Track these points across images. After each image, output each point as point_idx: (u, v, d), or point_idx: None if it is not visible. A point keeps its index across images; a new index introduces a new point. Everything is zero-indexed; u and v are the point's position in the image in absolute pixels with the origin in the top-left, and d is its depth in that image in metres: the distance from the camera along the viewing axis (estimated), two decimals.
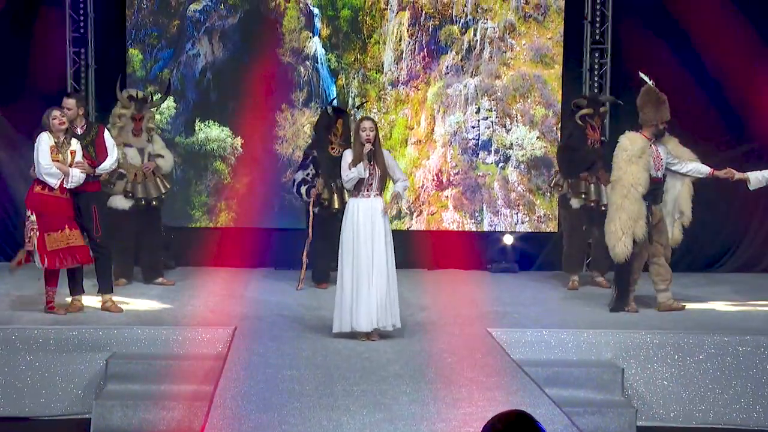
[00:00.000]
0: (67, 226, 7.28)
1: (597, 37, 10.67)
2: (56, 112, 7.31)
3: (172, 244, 10.06)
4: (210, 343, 6.94)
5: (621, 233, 7.63)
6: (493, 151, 10.78)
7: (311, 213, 8.96)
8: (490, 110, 10.77)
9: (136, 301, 8.15)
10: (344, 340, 6.75)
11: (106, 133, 7.85)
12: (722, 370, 6.91)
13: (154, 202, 8.85)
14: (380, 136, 7.03)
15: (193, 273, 9.73)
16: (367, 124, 6.85)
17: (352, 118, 9.33)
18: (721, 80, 10.08)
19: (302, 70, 10.70)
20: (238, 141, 10.61)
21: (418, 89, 10.77)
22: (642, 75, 7.86)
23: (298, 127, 10.44)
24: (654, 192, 7.75)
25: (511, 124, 10.78)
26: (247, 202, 10.58)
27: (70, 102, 7.70)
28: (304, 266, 9.07)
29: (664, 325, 7.36)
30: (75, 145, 7.39)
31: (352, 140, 7.30)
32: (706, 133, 9.63)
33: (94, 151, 7.65)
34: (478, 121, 10.81)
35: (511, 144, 10.77)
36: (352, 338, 6.77)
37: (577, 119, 9.29)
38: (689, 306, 8.10)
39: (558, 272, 10.05)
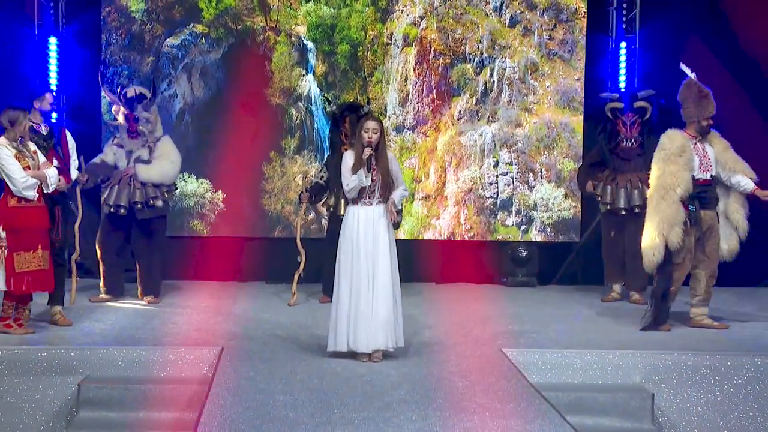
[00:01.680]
0: (40, 246, 7.30)
1: (624, 25, 10.64)
2: (28, 116, 7.36)
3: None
4: (194, 365, 6.91)
5: (653, 239, 7.63)
6: (513, 212, 10.60)
7: (299, 220, 8.95)
8: (510, 164, 10.56)
9: (111, 319, 8.16)
10: (343, 361, 6.73)
11: (68, 135, 7.95)
12: (764, 396, 6.87)
13: (122, 210, 8.76)
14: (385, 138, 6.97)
15: (176, 287, 9.73)
16: (370, 124, 6.80)
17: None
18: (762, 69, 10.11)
19: (294, 112, 10.51)
20: (219, 195, 10.48)
21: (427, 136, 10.55)
22: (683, 67, 7.86)
23: (288, 178, 10.27)
24: (701, 195, 7.74)
25: (534, 180, 10.59)
26: (236, 213, 10.55)
27: (50, 97, 7.78)
28: (296, 278, 9.09)
29: (699, 346, 7.34)
30: (32, 145, 7.44)
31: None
32: (746, 131, 9.63)
33: (62, 153, 7.72)
34: (497, 176, 10.59)
35: (535, 204, 10.58)
36: (352, 359, 6.76)
37: (607, 112, 9.32)
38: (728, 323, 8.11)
39: (581, 286, 10.07)
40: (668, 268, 7.72)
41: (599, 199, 9.38)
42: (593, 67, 10.69)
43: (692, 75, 7.82)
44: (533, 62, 10.54)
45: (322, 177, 9.09)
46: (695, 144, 7.77)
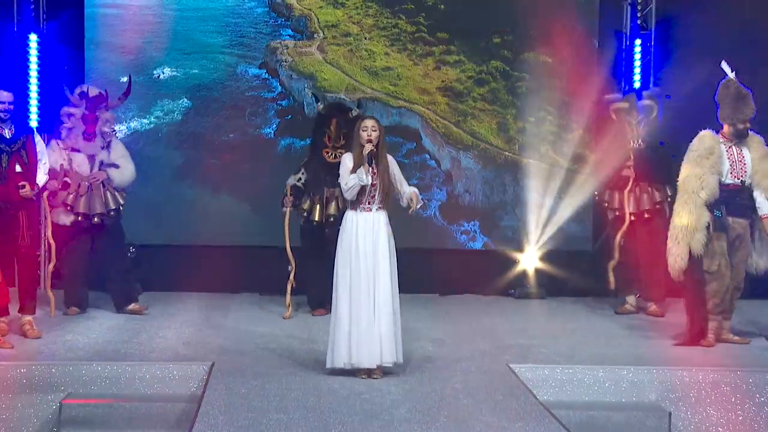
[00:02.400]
0: None
1: (639, 21, 10.64)
2: None
3: (139, 265, 10.05)
4: (183, 382, 6.90)
5: (675, 245, 7.64)
6: None
7: (286, 226, 8.98)
8: None
9: (95, 332, 8.14)
10: (341, 378, 6.72)
11: (37, 137, 7.89)
12: None
13: (95, 219, 8.72)
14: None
15: (164, 299, 9.73)
16: (368, 122, 6.82)
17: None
18: None
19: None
20: (210, 205, 10.63)
21: None
22: (723, 65, 7.84)
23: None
24: (730, 201, 7.73)
25: None
26: (227, 222, 10.57)
27: (6, 95, 7.66)
28: (290, 290, 9.08)
29: (720, 361, 7.33)
30: None
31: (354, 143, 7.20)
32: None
33: (27, 158, 7.66)
34: None
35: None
36: (351, 376, 6.75)
37: (611, 114, 9.33)
38: (752, 338, 8.10)
39: (593, 298, 10.04)
40: (697, 276, 7.71)
41: (606, 204, 9.39)
42: (605, 67, 10.71)
43: (732, 74, 7.80)
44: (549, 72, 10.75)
45: (300, 179, 9.08)
46: (729, 147, 7.76)
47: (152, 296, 9.56)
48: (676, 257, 7.68)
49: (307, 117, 10.41)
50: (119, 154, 8.94)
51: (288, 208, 8.98)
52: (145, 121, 10.50)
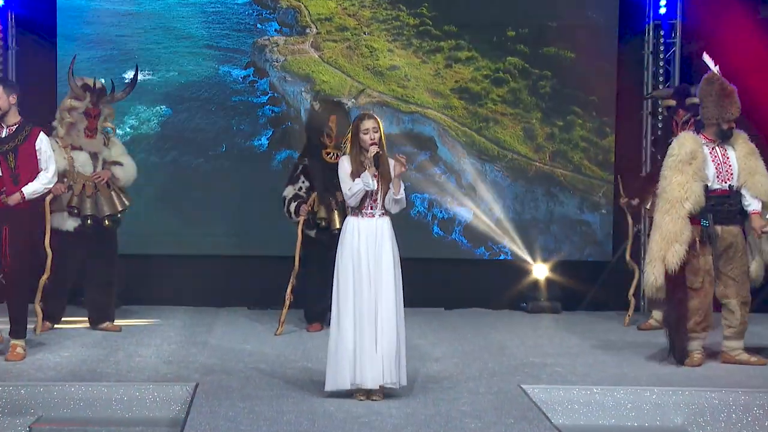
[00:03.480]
0: None
1: (661, 10, 10.62)
2: None
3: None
4: (164, 404, 6.88)
5: (652, 259, 7.61)
6: None
7: (300, 236, 8.91)
8: None
9: (68, 350, 8.12)
10: (337, 400, 6.69)
11: (43, 139, 7.63)
12: None
13: (106, 222, 8.72)
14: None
15: (143, 312, 9.72)
16: (368, 123, 6.77)
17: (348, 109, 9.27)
18: None
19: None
20: (199, 211, 10.61)
21: None
22: (706, 58, 7.82)
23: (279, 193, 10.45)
24: (718, 209, 7.69)
25: None
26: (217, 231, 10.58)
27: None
28: (287, 305, 9.03)
29: (750, 382, 7.30)
30: None
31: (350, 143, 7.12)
32: None
33: (15, 162, 7.51)
34: None
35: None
36: (348, 397, 6.71)
37: (662, 110, 9.30)
38: None
39: (613, 312, 10.00)
40: (679, 293, 7.66)
41: (646, 210, 9.32)
42: (627, 61, 10.70)
43: (715, 69, 7.77)
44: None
45: (301, 188, 9.02)
46: (712, 149, 7.71)
47: (131, 310, 9.53)
48: (651, 274, 7.62)
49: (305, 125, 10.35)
50: (120, 151, 8.94)
51: (303, 216, 8.90)
52: (120, 132, 10.37)
